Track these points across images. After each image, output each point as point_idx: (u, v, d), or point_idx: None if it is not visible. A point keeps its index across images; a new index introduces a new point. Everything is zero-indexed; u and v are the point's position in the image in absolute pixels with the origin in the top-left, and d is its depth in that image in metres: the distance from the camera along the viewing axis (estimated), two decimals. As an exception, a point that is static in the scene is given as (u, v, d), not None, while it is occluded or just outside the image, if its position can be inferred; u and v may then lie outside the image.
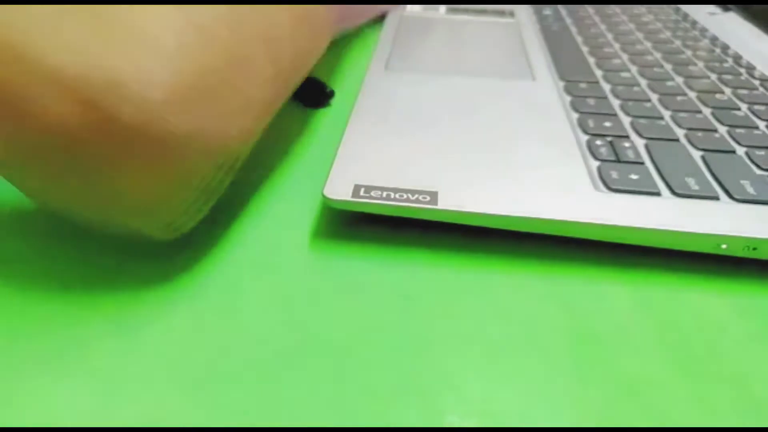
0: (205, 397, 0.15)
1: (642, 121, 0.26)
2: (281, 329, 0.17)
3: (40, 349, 0.16)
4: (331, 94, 0.31)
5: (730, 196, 0.21)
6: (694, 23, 0.43)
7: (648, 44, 0.38)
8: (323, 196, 0.20)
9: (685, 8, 0.47)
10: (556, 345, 0.17)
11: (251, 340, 0.17)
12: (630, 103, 0.28)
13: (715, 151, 0.24)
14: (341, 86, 0.33)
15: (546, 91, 0.29)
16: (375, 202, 0.20)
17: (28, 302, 0.18)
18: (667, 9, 0.47)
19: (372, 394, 0.15)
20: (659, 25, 0.42)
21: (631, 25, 0.42)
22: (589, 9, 0.46)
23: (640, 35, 0.40)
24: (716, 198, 0.21)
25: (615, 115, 0.27)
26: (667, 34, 0.40)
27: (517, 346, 0.17)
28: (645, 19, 0.44)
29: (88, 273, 0.19)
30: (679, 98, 0.29)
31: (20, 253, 0.20)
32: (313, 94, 0.31)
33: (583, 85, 0.30)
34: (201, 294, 0.18)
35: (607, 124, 0.26)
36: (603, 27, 0.42)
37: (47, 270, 0.19)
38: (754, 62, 0.35)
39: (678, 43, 0.38)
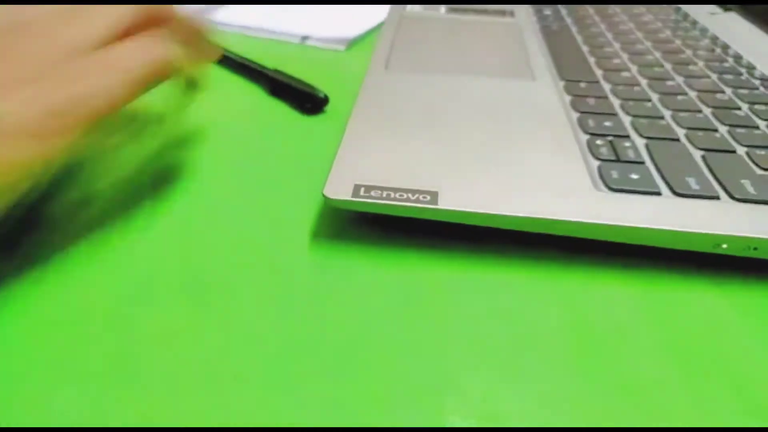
0: (204, 397, 0.15)
1: (642, 120, 0.26)
2: (281, 329, 0.17)
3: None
4: (325, 100, 0.30)
5: (731, 196, 0.21)
6: (694, 23, 0.43)
7: (648, 44, 0.38)
8: (323, 195, 0.20)
9: (686, 8, 0.47)
10: (556, 345, 0.17)
11: (251, 340, 0.17)
12: (630, 103, 0.28)
13: (716, 151, 0.24)
14: (341, 86, 0.33)
15: (546, 90, 0.29)
16: (375, 202, 0.20)
17: None
18: (668, 9, 0.47)
19: (373, 395, 0.15)
20: (659, 24, 0.42)
21: (631, 25, 0.42)
22: (589, 9, 0.46)
23: (640, 35, 0.40)
24: (716, 198, 0.21)
25: (615, 114, 0.27)
26: (668, 33, 0.40)
27: (517, 346, 0.17)
28: (645, 18, 0.44)
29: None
30: (679, 98, 0.29)
31: None
32: (304, 101, 0.30)
33: (583, 85, 0.30)
34: (201, 294, 0.18)
35: (608, 123, 0.26)
36: (603, 27, 0.42)
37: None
38: (754, 62, 0.35)
39: (678, 42, 0.38)
